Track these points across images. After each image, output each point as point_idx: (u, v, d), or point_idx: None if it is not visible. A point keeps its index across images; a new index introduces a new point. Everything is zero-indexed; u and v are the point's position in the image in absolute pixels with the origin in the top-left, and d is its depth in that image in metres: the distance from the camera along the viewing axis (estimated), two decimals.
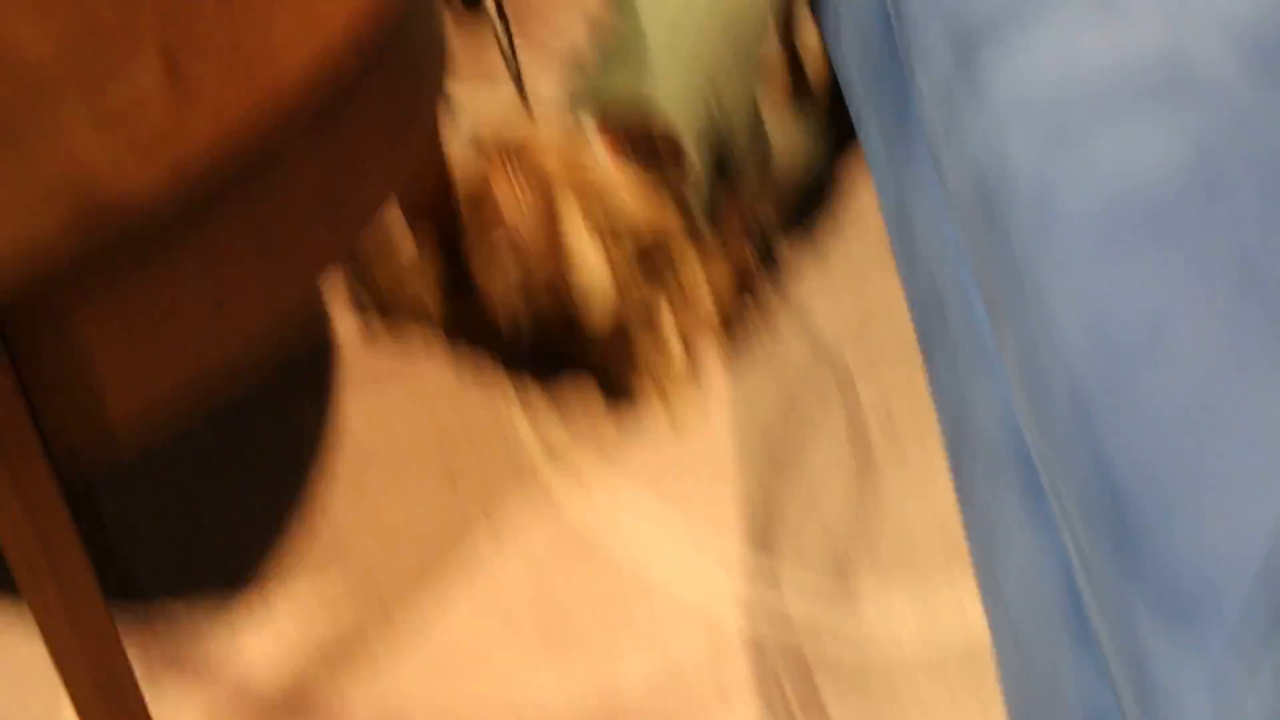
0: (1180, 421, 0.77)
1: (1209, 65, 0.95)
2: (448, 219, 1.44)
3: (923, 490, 1.39)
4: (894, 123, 1.28)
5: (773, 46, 1.83)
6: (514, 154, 1.33)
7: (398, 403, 1.49)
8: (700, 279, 1.44)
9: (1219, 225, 0.85)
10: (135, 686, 1.12)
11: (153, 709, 1.13)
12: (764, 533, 1.36)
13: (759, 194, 1.57)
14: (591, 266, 1.30)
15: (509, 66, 1.64)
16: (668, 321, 1.42)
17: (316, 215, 1.08)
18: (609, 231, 1.31)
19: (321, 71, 1.00)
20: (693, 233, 1.45)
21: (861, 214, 1.69)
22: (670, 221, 1.35)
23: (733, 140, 1.48)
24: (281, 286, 1.09)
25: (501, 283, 1.35)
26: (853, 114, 1.47)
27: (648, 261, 1.36)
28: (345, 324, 1.58)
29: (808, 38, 1.88)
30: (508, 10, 1.63)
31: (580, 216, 1.29)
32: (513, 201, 1.32)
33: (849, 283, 1.61)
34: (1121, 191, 0.89)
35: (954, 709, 1.23)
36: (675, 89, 1.38)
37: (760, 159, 1.55)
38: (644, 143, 1.38)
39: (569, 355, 1.51)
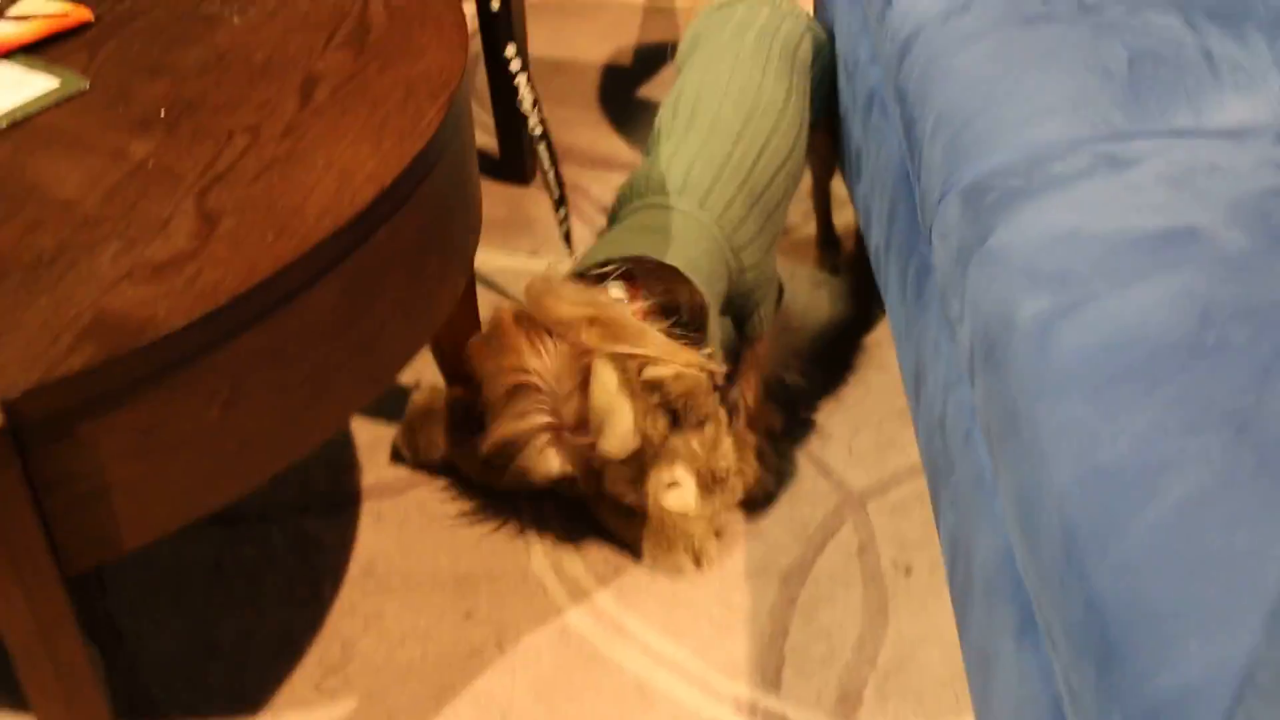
0: (1167, 564, 0.79)
1: (1215, 234, 0.98)
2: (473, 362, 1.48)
3: (937, 638, 1.39)
4: (913, 283, 1.32)
5: (809, 221, 1.88)
6: (543, 306, 1.35)
7: (419, 539, 1.51)
8: (724, 431, 1.45)
9: (1215, 378, 0.87)
10: None
11: None
12: (774, 673, 1.36)
13: (783, 354, 1.59)
14: (619, 416, 1.31)
15: (560, 225, 1.68)
16: (690, 472, 1.42)
17: (342, 362, 1.12)
18: (638, 383, 1.33)
19: (349, 231, 1.06)
20: (718, 387, 1.46)
21: (889, 375, 1.72)
22: (697, 375, 1.36)
23: (751, 303, 1.51)
24: (306, 428, 1.12)
25: (525, 429, 1.37)
26: (878, 280, 1.50)
27: (674, 412, 1.37)
28: (371, 460, 1.61)
29: (844, 214, 1.93)
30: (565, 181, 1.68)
31: (610, 367, 1.30)
32: (540, 352, 1.34)
33: (874, 439, 1.63)
34: (1121, 341, 0.91)
35: None
36: (697, 256, 1.41)
37: (783, 321, 1.57)
38: (667, 302, 1.41)
39: (590, 504, 1.53)
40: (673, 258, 1.37)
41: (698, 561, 1.48)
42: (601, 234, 1.50)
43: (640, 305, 1.40)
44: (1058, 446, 0.89)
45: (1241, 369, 0.87)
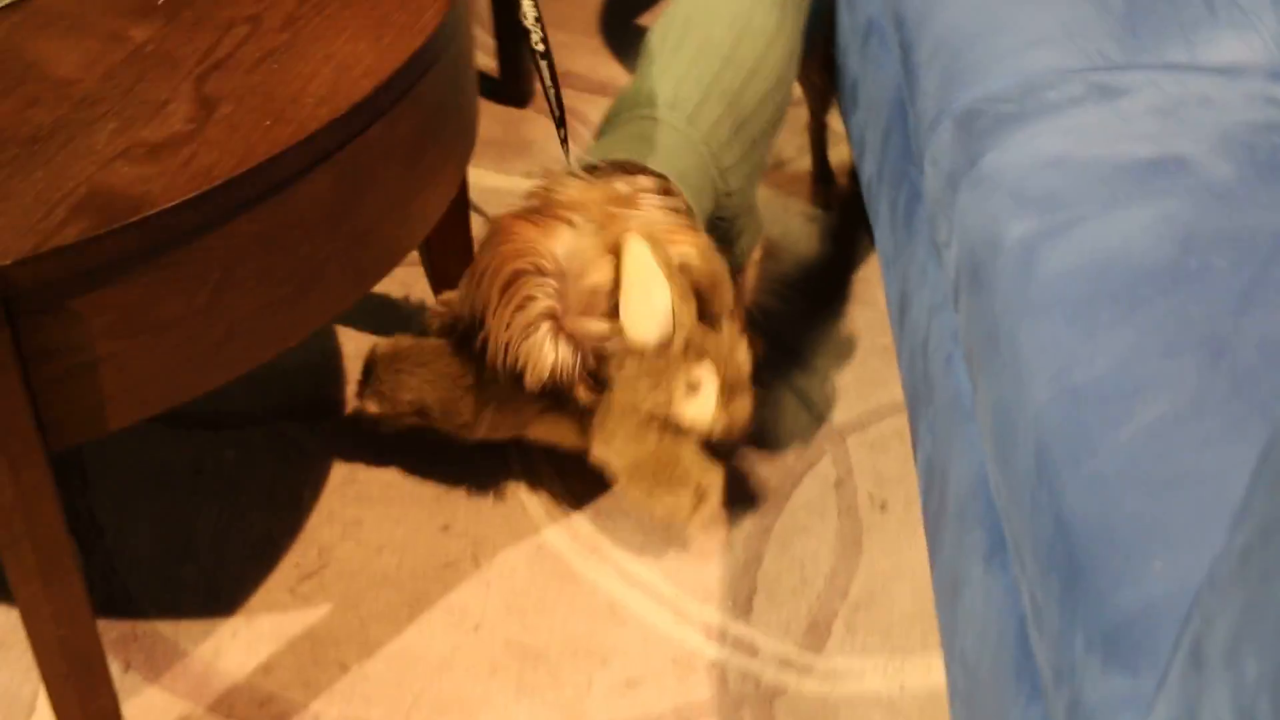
0: (1136, 483, 0.80)
1: (1202, 164, 0.99)
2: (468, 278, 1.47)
3: (909, 575, 1.40)
4: (903, 210, 1.33)
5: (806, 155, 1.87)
6: (553, 191, 1.30)
7: (401, 451, 1.52)
8: (739, 333, 1.37)
9: (1194, 303, 0.88)
10: (104, 667, 1.15)
11: None
12: (745, 600, 1.37)
13: (766, 281, 1.58)
14: (655, 293, 1.23)
15: (562, 144, 1.65)
16: (714, 374, 1.34)
17: (333, 255, 1.12)
18: (674, 262, 1.24)
19: (345, 121, 1.06)
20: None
21: (875, 311, 1.73)
22: (720, 258, 1.30)
23: (733, 230, 1.50)
24: (293, 319, 1.13)
25: (525, 319, 1.26)
26: (868, 209, 1.51)
27: (699, 299, 1.28)
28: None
29: (840, 152, 1.93)
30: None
31: (644, 241, 1.22)
32: (549, 233, 1.26)
33: (857, 374, 1.64)
34: (1104, 264, 0.92)
35: None
36: (685, 170, 1.39)
37: (767, 249, 1.56)
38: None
39: (582, 436, 1.50)
40: (662, 167, 1.36)
41: (700, 503, 1.34)
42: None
43: (648, 183, 1.34)
44: (1036, 366, 0.90)
45: (1221, 295, 0.88)
